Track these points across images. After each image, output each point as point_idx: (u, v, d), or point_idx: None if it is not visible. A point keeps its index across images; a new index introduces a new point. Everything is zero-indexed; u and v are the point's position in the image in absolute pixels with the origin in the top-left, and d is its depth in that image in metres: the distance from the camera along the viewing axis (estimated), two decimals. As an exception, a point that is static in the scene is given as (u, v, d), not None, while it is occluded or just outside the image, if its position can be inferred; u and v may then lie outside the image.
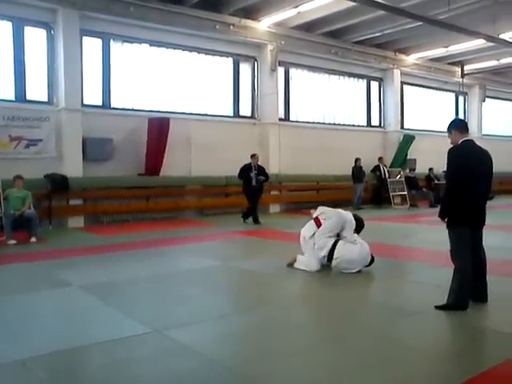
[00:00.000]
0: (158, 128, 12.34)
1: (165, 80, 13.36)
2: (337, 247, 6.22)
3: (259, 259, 7.36)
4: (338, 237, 6.39)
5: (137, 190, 12.52)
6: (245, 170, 11.87)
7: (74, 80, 11.42)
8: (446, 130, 5.04)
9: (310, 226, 6.63)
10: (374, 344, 3.86)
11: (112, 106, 12.50)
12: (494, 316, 4.64)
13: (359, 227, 6.60)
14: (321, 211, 6.66)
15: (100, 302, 5.08)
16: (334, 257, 6.19)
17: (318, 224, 6.49)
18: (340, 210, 6.73)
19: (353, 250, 6.19)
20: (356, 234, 6.44)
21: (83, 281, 5.98)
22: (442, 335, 4.15)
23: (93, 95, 12.22)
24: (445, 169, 14.16)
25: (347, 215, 6.56)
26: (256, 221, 11.78)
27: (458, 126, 4.95)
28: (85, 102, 11.94)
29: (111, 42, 12.36)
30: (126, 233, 10.51)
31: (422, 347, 3.78)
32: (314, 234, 6.49)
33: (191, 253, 8.02)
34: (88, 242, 9.46)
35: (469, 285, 4.62)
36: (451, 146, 4.83)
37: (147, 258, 7.52)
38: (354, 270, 6.15)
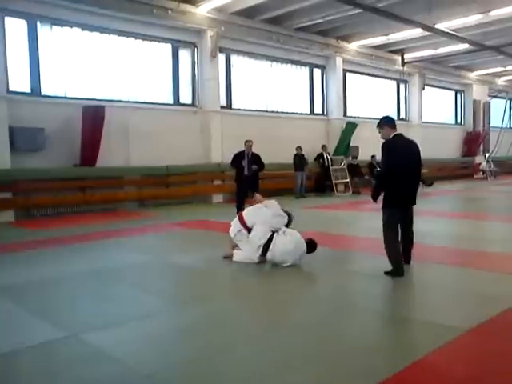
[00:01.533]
0: (93, 117, 11.79)
1: (100, 67, 12.77)
2: (272, 241, 6.09)
3: (195, 253, 7.12)
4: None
5: (72, 182, 11.96)
6: (237, 158, 10.95)
7: (-5, 65, 10.67)
8: (377, 123, 5.64)
9: (236, 223, 6.47)
10: (307, 338, 3.73)
11: (42, 93, 11.80)
12: (434, 311, 4.62)
13: (289, 221, 6.54)
14: (247, 211, 6.60)
15: (13, 305, 4.69)
16: (269, 249, 6.06)
17: (243, 223, 6.35)
18: (263, 208, 6.60)
19: (285, 241, 6.07)
20: (285, 228, 6.33)
21: None
22: (372, 327, 4.07)
23: (20, 81, 11.49)
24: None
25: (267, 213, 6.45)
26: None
27: (389, 121, 5.63)
28: (11, 88, 11.21)
29: (38, 24, 11.61)
30: (59, 227, 9.97)
31: (351, 340, 3.68)
32: (239, 230, 6.37)
33: (124, 247, 7.67)
34: (16, 237, 8.90)
35: (399, 254, 5.55)
36: (382, 140, 5.54)
37: (76, 254, 7.11)
38: (291, 261, 6.01)
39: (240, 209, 10.64)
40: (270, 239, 6.12)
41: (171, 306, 4.68)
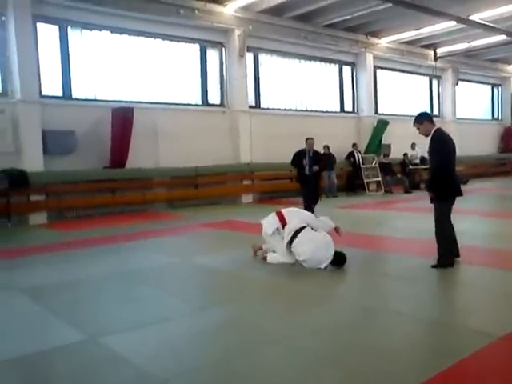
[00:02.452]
0: (122, 118, 11.90)
1: (128, 69, 12.89)
2: (302, 231, 5.94)
3: (223, 254, 7.05)
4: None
5: (102, 184, 12.09)
6: (297, 157, 10.44)
7: (29, 70, 10.87)
8: (414, 119, 5.78)
9: (273, 219, 6.32)
10: (333, 342, 3.59)
11: (73, 96, 11.99)
12: (466, 315, 4.42)
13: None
14: (288, 210, 6.46)
15: (38, 306, 4.72)
16: (297, 236, 5.90)
17: (282, 221, 6.19)
18: (303, 211, 6.54)
19: (315, 235, 5.93)
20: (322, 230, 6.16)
21: (27, 283, 5.61)
22: (402, 332, 3.89)
23: (52, 86, 11.71)
24: (423, 154, 13.98)
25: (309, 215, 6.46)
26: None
27: (429, 116, 5.85)
28: (43, 92, 11.43)
29: (69, 28, 11.81)
30: (89, 228, 10.09)
31: (379, 345, 3.52)
32: (277, 228, 6.20)
33: (151, 249, 7.68)
34: (47, 239, 9.05)
35: (453, 246, 5.75)
36: (422, 134, 5.76)
37: (104, 256, 7.15)
38: (308, 255, 5.78)
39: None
40: (301, 229, 5.96)
41: (194, 308, 4.61)
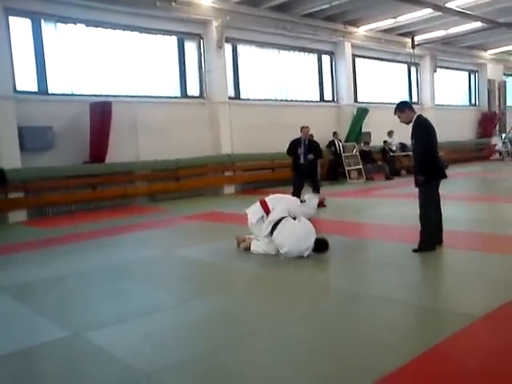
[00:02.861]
0: (101, 113, 11.74)
1: (105, 62, 12.70)
2: (282, 221, 5.96)
3: (206, 245, 7.03)
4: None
5: (82, 179, 11.94)
6: (293, 146, 10.44)
7: (2, 65, 10.57)
8: (395, 108, 5.88)
9: (257, 209, 6.34)
10: (318, 329, 3.62)
11: (49, 91, 11.78)
12: (448, 298, 4.49)
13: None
14: (270, 197, 6.45)
15: (20, 304, 4.66)
16: (277, 227, 5.92)
17: (266, 208, 6.21)
18: (287, 196, 6.54)
19: (295, 225, 5.93)
20: (303, 218, 6.16)
21: (8, 281, 5.53)
22: (385, 316, 3.94)
23: (27, 81, 11.48)
24: (401, 141, 14.22)
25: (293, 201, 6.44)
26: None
27: (410, 105, 6.01)
28: (18, 88, 11.20)
29: (42, 22, 11.56)
30: (70, 224, 9.97)
31: (363, 330, 3.57)
32: (261, 217, 6.21)
33: (134, 243, 7.63)
34: (28, 236, 8.92)
35: (437, 229, 5.90)
36: (404, 122, 5.91)
37: (86, 251, 7.07)
38: (288, 247, 5.79)
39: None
40: (281, 219, 5.98)
41: (179, 301, 4.60)
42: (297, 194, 9.96)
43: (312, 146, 10.40)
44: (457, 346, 3.29)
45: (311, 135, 14.82)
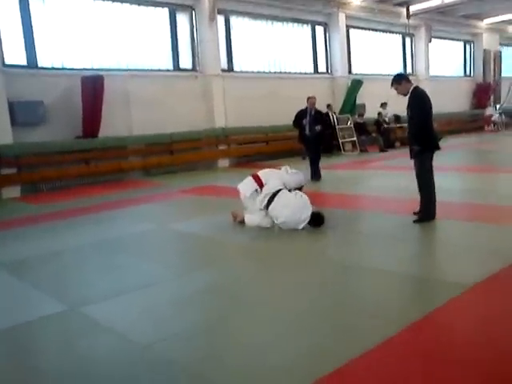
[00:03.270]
0: (93, 87, 11.59)
1: (96, 35, 12.46)
2: (278, 193, 5.98)
3: (201, 219, 7.06)
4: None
5: (76, 154, 11.87)
6: (298, 117, 10.12)
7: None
8: (392, 81, 5.91)
9: (250, 182, 6.34)
10: (313, 300, 3.67)
11: (39, 65, 11.59)
12: (441, 268, 4.54)
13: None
14: (263, 172, 6.46)
15: (17, 280, 4.69)
16: (273, 201, 5.95)
17: (259, 182, 6.22)
18: (277, 171, 6.53)
19: (291, 197, 5.96)
20: (297, 190, 6.18)
21: (5, 257, 5.53)
22: (378, 287, 3.99)
23: (16, 54, 11.26)
24: (394, 113, 14.18)
25: (284, 173, 6.44)
26: (315, 176, 10.01)
27: (406, 76, 6.09)
28: (6, 61, 11.00)
29: (30, -6, 11.32)
30: (65, 200, 9.95)
31: (357, 300, 3.62)
32: (255, 190, 6.22)
33: (129, 217, 7.64)
34: (22, 212, 8.90)
35: (435, 199, 5.90)
36: (401, 93, 5.92)
37: (81, 226, 7.08)
38: (284, 218, 5.82)
39: (315, 175, 9.99)
40: (278, 192, 6.00)
41: (174, 274, 4.64)
42: (313, 164, 10.02)
43: (318, 117, 10.08)
44: (446, 315, 3.35)
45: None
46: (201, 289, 4.14)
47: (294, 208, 5.85)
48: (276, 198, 5.96)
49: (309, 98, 10.16)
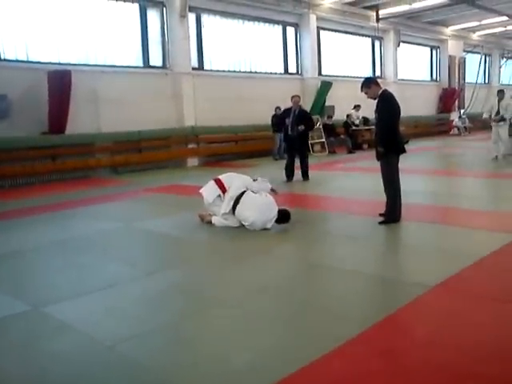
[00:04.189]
0: (60, 82, 11.38)
1: (64, 28, 12.21)
2: (243, 196, 5.97)
3: (168, 218, 7.00)
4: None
5: (41, 150, 11.63)
6: (282, 116, 10.11)
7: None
8: (361, 85, 6.02)
9: (212, 187, 6.27)
10: (276, 300, 3.70)
11: (2, 57, 11.26)
12: (404, 269, 4.63)
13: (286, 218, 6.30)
14: (225, 175, 6.41)
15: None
16: (239, 203, 5.94)
17: (222, 188, 6.18)
18: (240, 174, 6.51)
19: (255, 199, 5.95)
20: (263, 191, 6.18)
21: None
22: (341, 287, 4.05)
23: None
24: (363, 115, 14.27)
25: (247, 178, 6.40)
26: (303, 176, 10.07)
27: (375, 80, 6.16)
28: (-33, 53, 10.69)
29: (-7, -17, 10.99)
30: (28, 197, 9.72)
31: (319, 301, 3.67)
32: (218, 196, 6.19)
33: (94, 215, 7.51)
34: (-17, 209, 8.65)
35: (400, 201, 6.01)
36: (370, 97, 6.02)
37: (44, 225, 6.93)
38: (252, 220, 5.81)
39: (288, 176, 9.95)
40: (242, 194, 5.99)
41: (140, 274, 4.58)
42: (288, 167, 9.97)
43: (302, 116, 9.89)
44: (408, 315, 3.43)
45: (279, 108, 14.83)
46: (165, 288, 4.11)
47: (260, 207, 5.86)
48: (241, 201, 5.95)
49: (293, 97, 10.08)
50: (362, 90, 6.07)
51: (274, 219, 5.90)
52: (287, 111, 10.08)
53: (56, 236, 6.18)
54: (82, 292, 4.05)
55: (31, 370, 2.83)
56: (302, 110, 10.14)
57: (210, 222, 6.32)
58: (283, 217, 5.94)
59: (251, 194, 6.04)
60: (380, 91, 5.95)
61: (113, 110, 12.73)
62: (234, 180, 6.26)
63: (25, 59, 11.62)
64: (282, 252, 5.32)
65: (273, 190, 6.47)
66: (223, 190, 6.16)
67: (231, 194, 6.05)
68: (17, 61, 11.47)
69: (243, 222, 5.96)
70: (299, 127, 9.72)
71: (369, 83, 6.01)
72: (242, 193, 6.02)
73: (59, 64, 11.92)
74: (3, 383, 2.73)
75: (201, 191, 6.37)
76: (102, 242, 5.82)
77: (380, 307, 3.54)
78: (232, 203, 5.99)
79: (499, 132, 11.98)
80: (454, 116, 24.70)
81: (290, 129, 9.84)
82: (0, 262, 5.09)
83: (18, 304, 3.83)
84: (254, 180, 6.40)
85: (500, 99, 11.93)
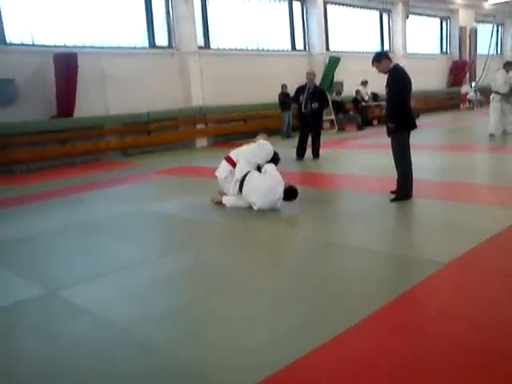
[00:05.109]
0: (66, 65, 11.32)
1: (68, 10, 12.10)
2: (246, 177, 5.97)
3: (179, 200, 7.01)
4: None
5: (50, 134, 11.65)
6: (297, 93, 9.81)
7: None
8: (372, 59, 5.94)
9: (223, 165, 6.35)
10: (290, 280, 3.70)
11: (8, 41, 11.22)
12: (417, 246, 4.61)
13: (276, 160, 6.37)
14: (233, 151, 6.41)
15: (-9, 264, 4.60)
16: (244, 184, 5.95)
17: (231, 162, 6.24)
18: (253, 145, 6.47)
19: (259, 180, 5.94)
20: (269, 165, 6.15)
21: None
22: (355, 265, 4.04)
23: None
24: (372, 91, 14.10)
25: (259, 148, 6.35)
26: (313, 154, 9.94)
27: (386, 54, 6.10)
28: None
29: (-3, -33, 10.88)
30: (40, 181, 9.78)
31: (334, 280, 3.67)
32: (229, 171, 6.23)
33: (105, 198, 7.55)
34: (-4, 194, 8.73)
35: (411, 178, 5.96)
36: (382, 71, 5.93)
37: (57, 209, 6.98)
38: (260, 204, 5.80)
39: (299, 154, 9.87)
40: (246, 176, 5.99)
41: (153, 256, 4.61)
42: (300, 144, 9.85)
43: (317, 93, 9.71)
44: (422, 292, 3.42)
45: (285, 85, 14.73)
46: (179, 270, 4.14)
47: (263, 189, 5.82)
48: (245, 182, 5.95)
49: (307, 74, 9.94)
50: (372, 65, 5.97)
51: (281, 198, 5.86)
52: (301, 88, 9.90)
53: (69, 220, 6.23)
54: (96, 275, 4.08)
55: (48, 352, 2.87)
56: (316, 87, 9.97)
57: (220, 203, 6.32)
58: (290, 194, 5.91)
59: (254, 174, 6.01)
60: (391, 65, 5.87)
61: (120, 92, 12.69)
62: (241, 153, 6.28)
63: (30, 43, 11.56)
64: (294, 231, 5.32)
65: (276, 156, 6.39)
66: (232, 164, 6.23)
67: (236, 176, 6.07)
68: (22, 44, 11.42)
69: (252, 206, 5.95)
70: (313, 105, 9.59)
71: (379, 57, 5.93)
72: (246, 174, 6.01)
73: (65, 47, 11.87)
74: (22, 364, 2.78)
75: (215, 173, 6.40)
76: (115, 225, 5.86)
77: (394, 285, 3.53)
78: (238, 186, 6.02)
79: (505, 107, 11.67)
80: (465, 89, 24.24)
81: (303, 106, 9.69)
82: (15, 247, 5.14)
83: (34, 288, 3.88)
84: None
85: (508, 71, 11.66)
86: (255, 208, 5.88)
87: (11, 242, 5.31)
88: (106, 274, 4.11)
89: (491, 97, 11.73)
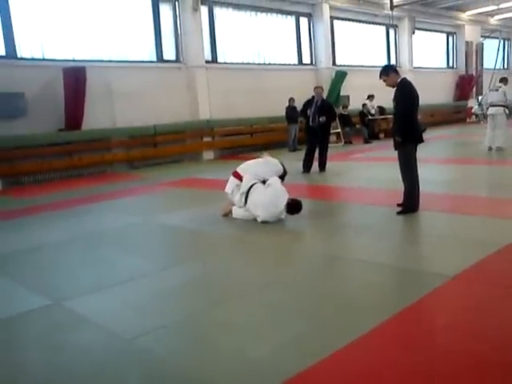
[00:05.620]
0: (75, 78, 11.47)
1: (78, 25, 12.27)
2: (251, 190, 6.00)
3: (185, 212, 7.02)
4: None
5: (58, 147, 11.76)
6: (305, 106, 9.91)
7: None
8: (380, 72, 5.97)
9: (231, 181, 6.39)
10: (295, 293, 3.69)
11: (18, 55, 11.38)
12: (423, 259, 4.58)
13: (283, 173, 6.41)
14: (240, 167, 6.47)
15: (-1, 275, 4.62)
16: (248, 200, 5.99)
17: (238, 177, 6.29)
18: (260, 160, 6.54)
19: (262, 192, 5.96)
20: (273, 178, 6.16)
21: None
22: (361, 279, 4.02)
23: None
24: (379, 104, 14.07)
25: (266, 163, 6.43)
26: (320, 167, 9.99)
27: (394, 68, 6.16)
28: (-16, 52, 10.80)
29: (8, -18, 11.07)
30: (47, 193, 9.84)
31: (340, 293, 3.65)
32: (236, 185, 6.27)
33: (112, 210, 7.58)
34: (3, 206, 8.79)
35: (418, 191, 5.95)
36: (389, 85, 5.94)
37: (63, 220, 7.01)
38: (263, 217, 5.83)
39: (306, 167, 9.90)
40: (250, 189, 6.02)
41: (159, 267, 4.61)
42: (307, 157, 9.88)
43: (325, 107, 9.79)
44: (429, 305, 3.39)
45: (293, 99, 14.80)
46: (184, 282, 4.13)
47: (266, 204, 5.85)
48: (249, 195, 5.99)
49: (315, 88, 10.06)
50: (380, 78, 5.99)
51: (285, 209, 5.86)
52: (310, 102, 9.98)
53: (75, 231, 6.25)
54: (102, 286, 4.08)
55: (52, 362, 2.87)
56: (324, 100, 10.06)
57: (228, 214, 6.35)
58: (293, 208, 5.91)
59: (259, 187, 6.04)
60: (399, 79, 5.88)
61: (128, 105, 12.80)
62: (248, 168, 6.34)
63: (40, 57, 11.72)
64: (300, 244, 5.31)
65: (284, 174, 6.42)
66: (239, 178, 6.26)
67: (242, 189, 6.10)
68: (33, 59, 11.58)
69: (257, 218, 5.97)
70: (320, 118, 9.66)
71: (387, 71, 5.95)
72: (251, 186, 6.04)
73: (74, 61, 12.01)
74: (26, 373, 2.78)
75: (225, 190, 6.43)
76: (120, 237, 5.87)
77: (400, 298, 3.51)
78: (244, 198, 6.06)
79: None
80: (472, 103, 24.21)
81: (311, 120, 9.76)
82: (20, 258, 5.16)
83: (39, 298, 3.88)
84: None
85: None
86: (259, 220, 5.89)
87: (17, 253, 5.33)
88: (113, 285, 4.11)
89: (502, 110, 11.68)
